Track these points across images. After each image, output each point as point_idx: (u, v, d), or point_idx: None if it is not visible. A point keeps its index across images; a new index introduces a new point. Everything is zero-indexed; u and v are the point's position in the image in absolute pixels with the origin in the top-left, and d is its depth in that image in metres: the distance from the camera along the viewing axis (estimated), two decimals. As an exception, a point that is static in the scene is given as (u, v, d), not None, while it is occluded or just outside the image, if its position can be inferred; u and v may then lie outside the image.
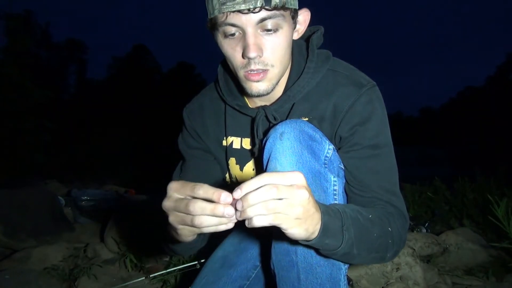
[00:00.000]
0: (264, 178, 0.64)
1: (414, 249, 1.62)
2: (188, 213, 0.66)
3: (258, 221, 0.62)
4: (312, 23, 1.08)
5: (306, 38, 1.05)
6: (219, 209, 0.63)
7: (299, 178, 0.66)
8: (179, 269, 1.63)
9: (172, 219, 0.71)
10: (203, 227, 0.66)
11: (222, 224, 0.66)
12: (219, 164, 1.17)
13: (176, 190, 0.69)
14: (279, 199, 0.62)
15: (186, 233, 0.73)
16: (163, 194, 0.73)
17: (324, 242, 0.73)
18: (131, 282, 1.70)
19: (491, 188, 2.43)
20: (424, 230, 2.08)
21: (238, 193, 0.62)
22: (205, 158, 1.17)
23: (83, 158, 7.78)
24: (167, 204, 0.70)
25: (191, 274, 1.51)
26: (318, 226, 0.70)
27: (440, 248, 1.86)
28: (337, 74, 1.00)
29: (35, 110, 6.49)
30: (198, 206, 0.64)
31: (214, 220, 0.65)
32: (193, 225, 0.66)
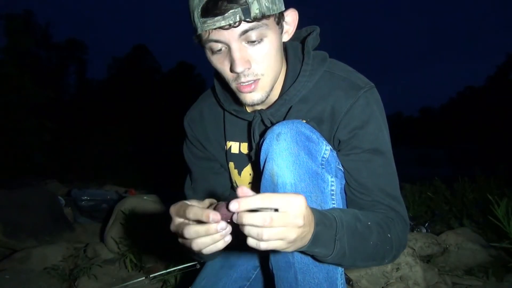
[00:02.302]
0: (264, 199, 0.64)
1: (414, 249, 1.62)
2: (186, 238, 0.69)
3: (251, 244, 0.64)
4: (311, 22, 1.07)
5: (302, 39, 1.05)
6: (212, 228, 0.66)
7: (298, 206, 0.65)
8: (179, 269, 1.63)
9: (180, 241, 0.74)
10: (201, 249, 0.68)
11: (217, 242, 0.68)
12: (226, 171, 1.18)
13: (175, 213, 0.72)
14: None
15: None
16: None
17: (314, 250, 0.74)
18: (131, 282, 1.70)
19: (491, 188, 2.43)
20: (424, 230, 2.08)
21: (234, 206, 0.63)
22: (211, 167, 1.18)
23: (83, 158, 7.77)
24: (171, 228, 0.74)
25: (191, 274, 1.51)
26: (309, 241, 0.71)
27: (440, 248, 1.86)
28: (334, 76, 0.99)
29: (35, 110, 6.49)
30: (192, 231, 0.67)
31: (208, 240, 0.67)
32: (192, 250, 0.69)
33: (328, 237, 0.75)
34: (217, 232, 0.66)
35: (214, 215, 0.65)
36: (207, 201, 0.77)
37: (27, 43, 7.05)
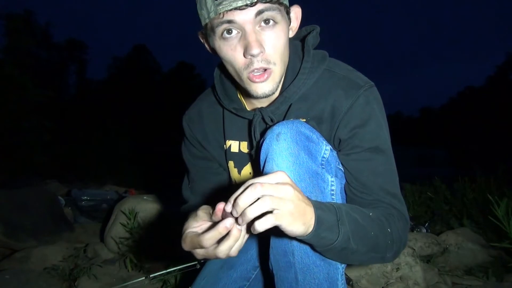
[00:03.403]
0: (248, 182, 0.67)
1: (414, 249, 1.62)
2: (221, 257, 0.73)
3: (261, 226, 0.65)
4: (312, 22, 1.08)
5: (302, 38, 1.05)
6: (236, 233, 0.70)
7: (282, 177, 0.69)
8: (179, 269, 1.63)
9: (213, 258, 0.76)
10: (228, 254, 0.72)
11: (238, 239, 0.71)
12: (225, 170, 1.18)
13: (192, 248, 0.76)
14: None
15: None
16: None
17: (321, 235, 0.74)
18: (131, 282, 1.70)
19: (491, 188, 2.43)
20: (424, 230, 2.08)
21: (228, 206, 0.67)
22: (210, 167, 1.19)
23: (83, 158, 7.77)
24: (200, 257, 0.77)
25: (191, 274, 1.50)
26: (313, 221, 0.71)
27: (440, 248, 1.86)
28: (334, 75, 0.99)
29: (35, 110, 6.50)
30: (225, 248, 0.71)
31: (239, 242, 0.72)
32: (221, 258, 0.73)
33: (331, 221, 0.75)
34: (240, 232, 0.70)
35: (227, 222, 0.68)
36: (201, 214, 0.79)
37: (27, 43, 7.05)
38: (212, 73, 1.10)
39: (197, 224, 0.78)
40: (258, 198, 0.65)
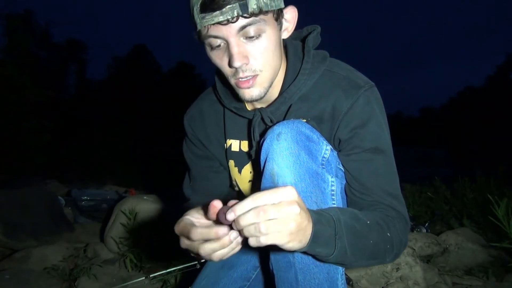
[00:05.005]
0: (255, 199, 0.65)
1: (414, 249, 1.62)
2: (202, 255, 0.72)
3: (253, 243, 0.65)
4: (311, 21, 1.07)
5: (302, 38, 1.05)
6: (226, 242, 0.69)
7: (290, 194, 0.66)
8: (179, 269, 1.63)
9: (194, 255, 0.77)
10: (221, 259, 0.73)
11: (233, 248, 0.72)
12: (226, 169, 1.19)
13: (181, 234, 0.76)
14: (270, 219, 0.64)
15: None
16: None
17: (315, 250, 0.74)
18: (131, 282, 1.70)
19: (491, 188, 2.43)
20: (424, 230, 2.08)
21: (231, 215, 0.65)
22: (211, 166, 1.19)
23: (83, 158, 7.77)
24: (183, 246, 0.77)
25: (191, 274, 1.50)
26: (310, 237, 0.70)
27: (440, 248, 1.86)
28: (334, 75, 0.99)
29: (35, 110, 6.50)
30: (208, 249, 0.70)
31: (226, 250, 0.71)
32: (212, 261, 0.73)
33: (328, 236, 0.74)
34: (231, 242, 0.69)
35: (221, 230, 0.68)
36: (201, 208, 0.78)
37: (27, 43, 7.05)
38: (212, 73, 1.11)
39: (198, 216, 0.78)
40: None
